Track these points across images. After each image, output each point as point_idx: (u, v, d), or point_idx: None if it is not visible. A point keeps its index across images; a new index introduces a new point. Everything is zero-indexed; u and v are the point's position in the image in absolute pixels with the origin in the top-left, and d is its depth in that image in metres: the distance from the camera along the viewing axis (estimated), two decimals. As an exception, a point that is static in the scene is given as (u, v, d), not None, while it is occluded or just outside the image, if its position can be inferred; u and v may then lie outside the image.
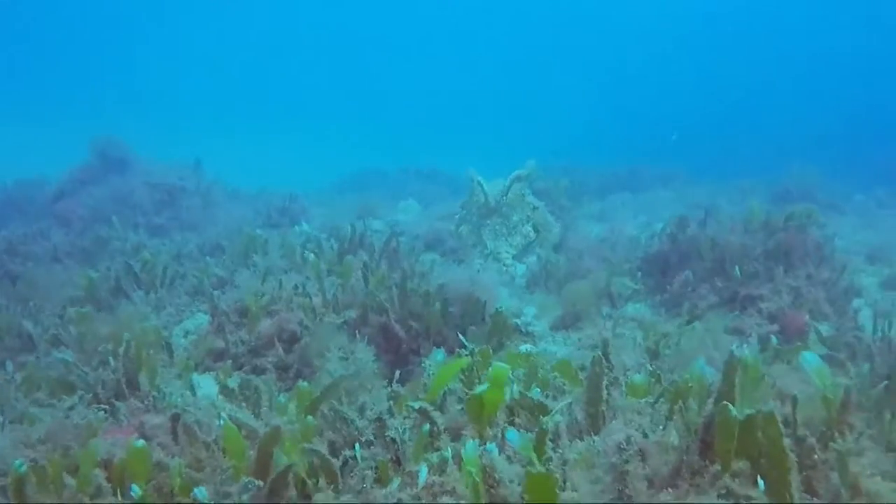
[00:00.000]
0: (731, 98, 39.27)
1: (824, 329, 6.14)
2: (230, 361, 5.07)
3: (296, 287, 5.48)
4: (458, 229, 8.64)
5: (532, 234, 6.56)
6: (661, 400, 2.57)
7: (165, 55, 50.37)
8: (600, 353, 2.62)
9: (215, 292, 6.37)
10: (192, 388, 4.16)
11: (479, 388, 2.59)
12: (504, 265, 7.96)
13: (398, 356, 4.93)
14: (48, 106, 34.48)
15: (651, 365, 4.57)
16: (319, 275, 5.38)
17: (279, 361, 4.95)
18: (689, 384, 2.36)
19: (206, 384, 5.24)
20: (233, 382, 3.76)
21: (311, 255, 5.93)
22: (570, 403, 2.58)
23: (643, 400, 2.60)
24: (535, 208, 6.79)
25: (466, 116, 43.06)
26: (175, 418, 2.89)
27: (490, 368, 2.58)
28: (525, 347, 5.73)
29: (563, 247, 9.10)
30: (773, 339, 5.23)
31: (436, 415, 2.70)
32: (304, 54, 54.22)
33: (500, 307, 5.61)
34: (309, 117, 41.70)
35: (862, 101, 34.24)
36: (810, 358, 2.31)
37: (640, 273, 7.12)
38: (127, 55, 50.36)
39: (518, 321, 6.17)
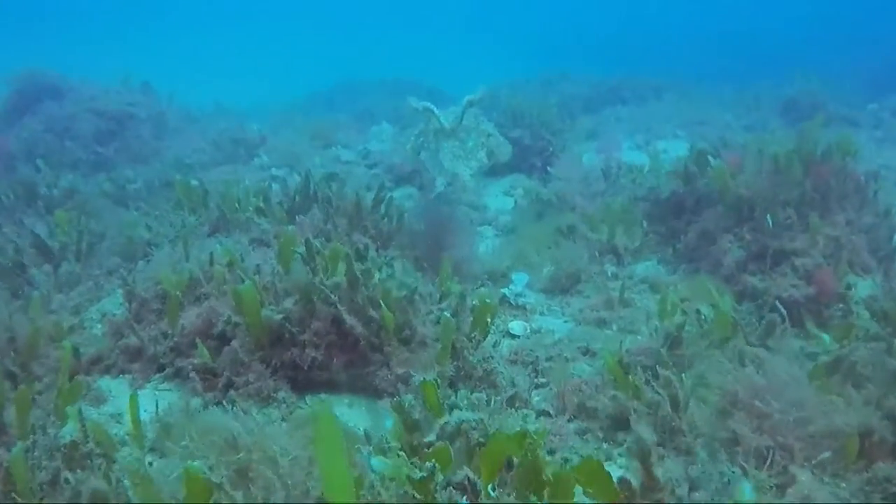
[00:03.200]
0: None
1: (866, 287, 5.16)
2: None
3: (230, 265, 4.39)
4: (417, 156, 7.74)
5: (486, 161, 5.77)
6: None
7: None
8: None
9: (140, 263, 5.27)
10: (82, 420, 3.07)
11: None
12: (464, 184, 7.05)
13: (356, 355, 3.91)
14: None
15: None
16: (234, 263, 4.29)
17: (205, 365, 3.91)
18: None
19: (121, 391, 4.23)
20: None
21: (218, 245, 4.75)
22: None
23: None
24: (489, 135, 5.94)
25: (447, 27, 40.82)
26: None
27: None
28: (516, 325, 4.75)
29: (552, 180, 8.02)
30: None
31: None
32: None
33: (481, 285, 4.59)
34: (278, 27, 39.33)
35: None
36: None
37: (645, 222, 6.05)
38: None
39: (507, 290, 5.15)
